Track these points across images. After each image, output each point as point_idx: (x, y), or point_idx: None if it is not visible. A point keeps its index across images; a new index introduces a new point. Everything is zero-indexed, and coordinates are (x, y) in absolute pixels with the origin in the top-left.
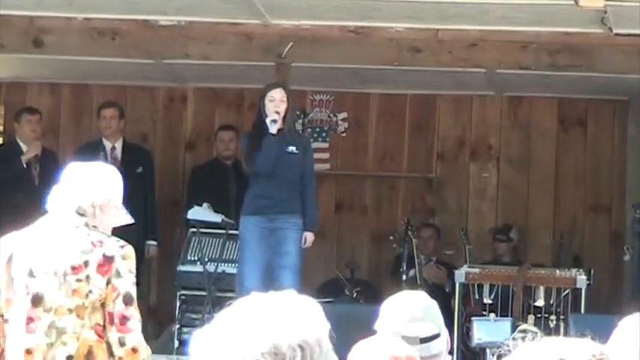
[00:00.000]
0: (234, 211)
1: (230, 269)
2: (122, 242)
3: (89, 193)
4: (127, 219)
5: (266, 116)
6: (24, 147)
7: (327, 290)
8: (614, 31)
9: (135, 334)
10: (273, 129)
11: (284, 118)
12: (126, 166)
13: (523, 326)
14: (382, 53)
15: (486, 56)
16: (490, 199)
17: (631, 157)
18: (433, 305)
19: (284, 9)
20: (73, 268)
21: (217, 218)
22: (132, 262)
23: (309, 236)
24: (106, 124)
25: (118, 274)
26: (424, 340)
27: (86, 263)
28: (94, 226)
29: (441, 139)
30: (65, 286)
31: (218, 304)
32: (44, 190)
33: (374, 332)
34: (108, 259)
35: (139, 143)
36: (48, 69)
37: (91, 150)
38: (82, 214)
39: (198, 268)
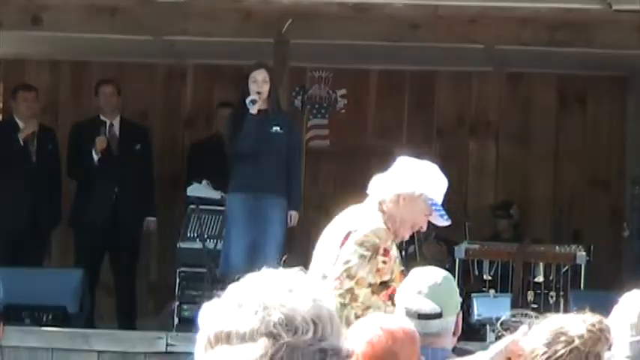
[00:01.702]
0: None
1: None
2: (371, 227)
3: (397, 183)
4: (442, 220)
5: (248, 96)
6: (21, 124)
7: None
8: (614, 7)
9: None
10: (253, 109)
11: (268, 98)
12: (124, 143)
13: (515, 311)
14: (381, 30)
15: (485, 32)
16: (489, 175)
17: (630, 133)
18: (446, 286)
19: None
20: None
21: (217, 195)
22: (358, 247)
23: (295, 215)
24: (105, 100)
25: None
26: (423, 317)
27: (333, 237)
28: (383, 212)
29: (441, 115)
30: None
31: (217, 281)
32: (42, 166)
33: None
34: (346, 237)
35: (138, 120)
36: (47, 46)
37: (89, 127)
38: (382, 201)
39: (198, 245)
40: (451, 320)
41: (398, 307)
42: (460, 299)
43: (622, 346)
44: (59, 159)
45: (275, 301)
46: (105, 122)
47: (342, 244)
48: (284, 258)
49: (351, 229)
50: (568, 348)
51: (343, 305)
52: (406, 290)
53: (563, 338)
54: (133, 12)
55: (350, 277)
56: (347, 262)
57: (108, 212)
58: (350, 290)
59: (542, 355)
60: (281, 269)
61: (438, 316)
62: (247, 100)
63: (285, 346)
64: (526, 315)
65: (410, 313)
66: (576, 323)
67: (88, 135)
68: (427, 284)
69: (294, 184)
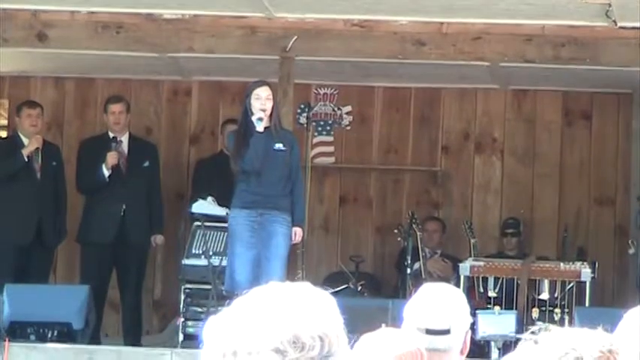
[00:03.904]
0: None
1: None
2: None
3: None
4: None
5: (252, 114)
6: (25, 141)
7: (332, 283)
8: (619, 24)
9: None
10: (259, 127)
11: (270, 115)
12: (132, 160)
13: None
14: (386, 47)
15: (490, 49)
16: (495, 192)
17: (635, 150)
18: (457, 302)
19: (288, 2)
20: None
21: (222, 212)
22: None
23: (299, 231)
24: (114, 119)
25: None
26: (430, 332)
27: None
28: None
29: (446, 132)
30: None
31: (222, 297)
32: (46, 183)
33: (378, 325)
34: None
35: (144, 137)
36: (52, 63)
37: (98, 143)
38: None
39: (203, 261)
40: (459, 337)
41: (406, 321)
42: (471, 318)
43: None
44: (64, 175)
45: (282, 316)
46: (115, 138)
47: None
48: (297, 275)
49: None
50: None
51: None
52: (416, 305)
53: (573, 355)
54: (138, 29)
55: None
56: None
57: (116, 229)
58: None
59: None
60: (287, 283)
61: (446, 332)
62: (254, 118)
63: None
64: (545, 329)
65: (418, 328)
66: (587, 340)
67: (98, 151)
68: (437, 300)
69: (297, 201)
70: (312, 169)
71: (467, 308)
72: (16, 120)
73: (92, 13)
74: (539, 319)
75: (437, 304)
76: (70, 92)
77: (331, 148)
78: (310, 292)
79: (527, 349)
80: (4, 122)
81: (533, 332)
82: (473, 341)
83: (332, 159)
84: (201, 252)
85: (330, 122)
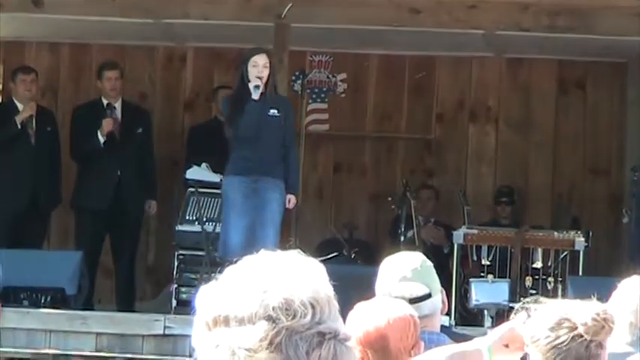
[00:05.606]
0: None
1: None
2: None
3: None
4: None
5: (248, 81)
6: (20, 107)
7: (325, 251)
8: None
9: None
10: (255, 95)
11: (266, 82)
12: (126, 127)
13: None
14: (382, 14)
15: (486, 18)
16: (489, 160)
17: (630, 120)
18: (426, 266)
19: None
20: None
21: (216, 178)
22: None
23: (293, 198)
24: (111, 85)
25: None
26: (413, 301)
27: None
28: None
29: (440, 100)
30: None
31: (216, 264)
32: (41, 148)
33: (372, 293)
34: None
35: (138, 103)
36: (47, 28)
37: (91, 109)
38: None
39: (197, 227)
40: (439, 299)
41: (382, 296)
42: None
43: (621, 333)
44: (59, 140)
45: (274, 284)
46: (110, 104)
47: None
48: (290, 242)
49: None
50: (571, 335)
51: None
52: (389, 278)
53: (566, 324)
54: None
55: None
56: None
57: (111, 195)
58: None
59: (545, 339)
60: (279, 252)
61: (428, 296)
62: (252, 86)
63: (285, 329)
64: (537, 301)
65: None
66: (581, 310)
67: (92, 117)
68: (410, 269)
69: (292, 167)
70: (306, 137)
71: (433, 267)
72: (11, 85)
73: None
74: (532, 288)
75: (410, 272)
76: (64, 58)
77: (325, 116)
78: (300, 260)
79: (520, 320)
80: None
81: (524, 303)
82: (466, 309)
83: (326, 126)
84: (194, 218)
85: (324, 89)
